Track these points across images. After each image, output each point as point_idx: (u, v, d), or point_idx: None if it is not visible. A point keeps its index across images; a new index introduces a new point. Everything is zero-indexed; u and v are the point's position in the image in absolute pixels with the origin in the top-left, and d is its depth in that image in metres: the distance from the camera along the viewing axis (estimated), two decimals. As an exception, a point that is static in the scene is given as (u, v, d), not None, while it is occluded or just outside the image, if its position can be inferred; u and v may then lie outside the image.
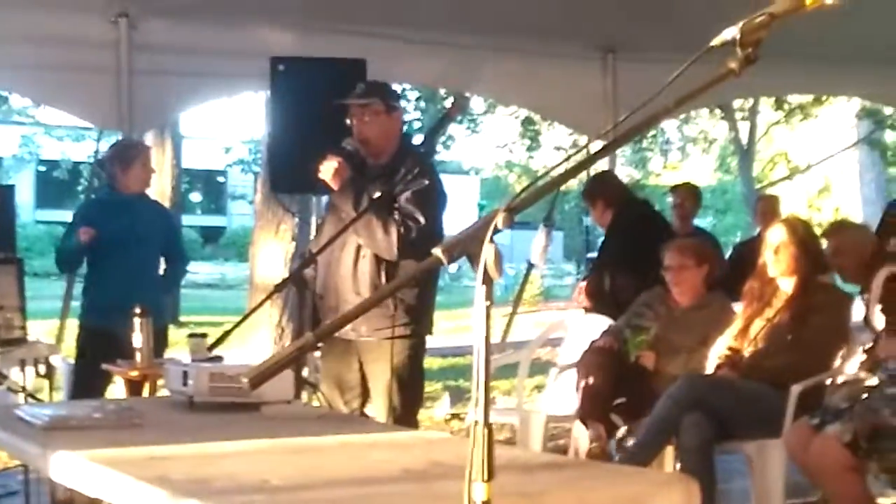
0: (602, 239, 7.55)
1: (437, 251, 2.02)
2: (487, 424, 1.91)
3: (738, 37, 1.90)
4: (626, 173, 25.13)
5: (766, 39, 1.91)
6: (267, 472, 2.68)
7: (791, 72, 7.53)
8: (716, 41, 1.94)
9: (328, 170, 4.83)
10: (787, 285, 5.23)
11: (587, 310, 7.08)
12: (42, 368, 5.60)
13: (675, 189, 8.61)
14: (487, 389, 1.93)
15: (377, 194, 4.75)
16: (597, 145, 2.18)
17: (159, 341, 6.16)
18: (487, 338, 1.94)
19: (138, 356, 5.58)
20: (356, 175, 4.86)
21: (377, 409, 4.94)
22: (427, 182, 4.87)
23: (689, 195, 8.32)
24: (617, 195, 7.13)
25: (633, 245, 6.85)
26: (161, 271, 6.39)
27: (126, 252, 5.99)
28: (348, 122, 4.91)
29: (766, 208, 8.54)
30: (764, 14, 1.92)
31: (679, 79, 1.95)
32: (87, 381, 5.84)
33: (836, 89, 11.21)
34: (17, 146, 29.36)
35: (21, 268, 5.65)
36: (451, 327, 17.25)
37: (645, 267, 6.59)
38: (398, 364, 4.88)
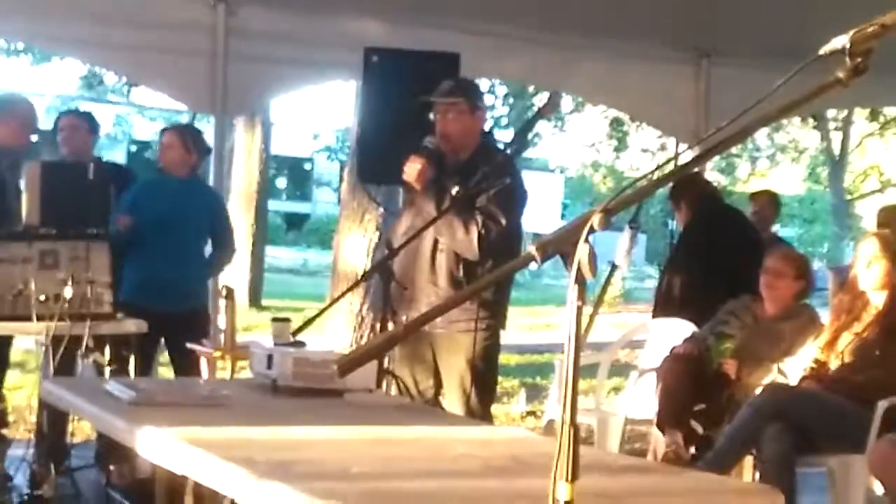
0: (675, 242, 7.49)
1: (531, 248, 2.01)
2: (574, 425, 1.90)
3: (848, 46, 1.87)
4: (712, 179, 24.87)
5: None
6: (348, 459, 2.70)
7: (888, 83, 7.38)
8: (824, 49, 1.90)
9: (412, 171, 4.85)
10: (877, 299, 5.14)
11: (655, 314, 7.03)
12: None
13: (753, 196, 8.47)
14: (576, 390, 1.92)
15: (455, 190, 4.76)
16: (687, 149, 2.16)
17: (200, 323, 6.25)
18: (578, 338, 1.93)
19: (222, 337, 5.68)
20: (438, 175, 4.88)
21: (451, 400, 4.95)
22: (508, 181, 4.87)
23: (768, 203, 8.18)
24: (699, 198, 7.06)
25: (704, 248, 6.79)
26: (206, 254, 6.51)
27: (167, 234, 6.09)
28: (432, 117, 4.93)
29: (888, 219, 8.21)
30: (875, 24, 1.88)
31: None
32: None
33: (934, 102, 10.99)
34: (111, 125, 29.87)
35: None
36: (531, 324, 17.23)
37: (717, 271, 6.52)
38: (473, 357, 4.89)
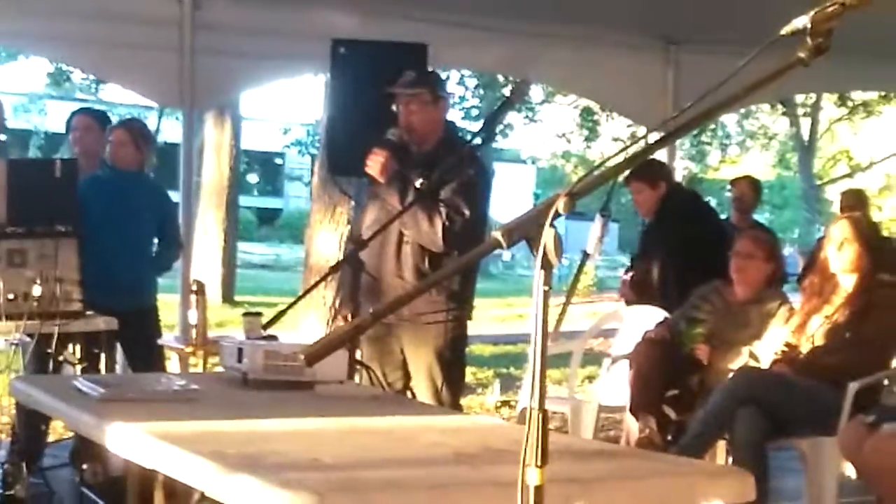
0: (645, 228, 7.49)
1: (496, 234, 2.00)
2: (542, 409, 1.90)
3: (808, 26, 1.88)
4: (683, 166, 24.99)
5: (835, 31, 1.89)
6: (319, 450, 2.69)
7: (855, 67, 7.43)
8: (786, 29, 1.91)
9: (375, 164, 4.84)
10: (847, 282, 5.16)
11: (629, 302, 7.04)
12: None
13: (734, 182, 8.53)
14: (543, 374, 1.92)
15: (419, 182, 4.75)
16: (656, 135, 2.16)
17: (150, 321, 6.21)
18: (545, 322, 1.93)
19: (193, 332, 5.65)
20: (401, 167, 4.86)
21: (420, 392, 4.95)
22: (472, 172, 4.87)
23: (748, 188, 8.23)
24: (667, 183, 7.08)
25: (679, 235, 6.80)
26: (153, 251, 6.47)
27: (114, 229, 6.01)
28: (394, 108, 4.92)
29: (850, 202, 8.28)
30: (836, 3, 1.89)
31: (743, 71, 1.93)
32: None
33: (902, 86, 11.06)
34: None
35: (82, 242, 5.69)
36: (504, 315, 17.22)
37: (692, 257, 6.55)
38: (439, 348, 4.91)
